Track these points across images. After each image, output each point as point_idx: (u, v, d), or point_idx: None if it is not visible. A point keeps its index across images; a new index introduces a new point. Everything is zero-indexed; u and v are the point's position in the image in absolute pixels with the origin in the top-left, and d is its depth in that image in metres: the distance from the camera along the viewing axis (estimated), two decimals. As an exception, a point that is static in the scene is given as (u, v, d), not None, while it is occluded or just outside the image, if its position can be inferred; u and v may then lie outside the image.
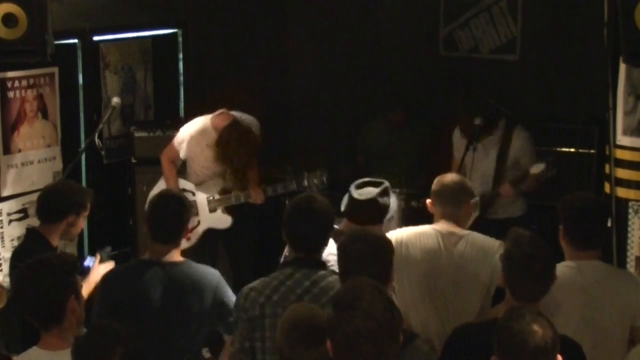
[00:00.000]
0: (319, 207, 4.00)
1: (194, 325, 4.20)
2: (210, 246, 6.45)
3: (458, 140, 6.41)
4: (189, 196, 6.33)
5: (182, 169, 6.52)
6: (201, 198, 6.35)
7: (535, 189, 6.12)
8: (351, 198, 4.81)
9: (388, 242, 3.83)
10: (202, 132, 6.22)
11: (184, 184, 6.41)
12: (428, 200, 4.76)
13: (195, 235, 6.32)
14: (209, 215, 6.36)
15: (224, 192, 6.34)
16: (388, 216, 4.82)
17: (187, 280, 4.22)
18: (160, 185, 6.39)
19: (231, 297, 4.24)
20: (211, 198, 6.34)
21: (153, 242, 4.32)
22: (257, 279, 4.03)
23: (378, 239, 3.81)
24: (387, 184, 4.88)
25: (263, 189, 6.29)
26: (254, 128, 6.23)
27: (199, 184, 6.39)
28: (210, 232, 6.39)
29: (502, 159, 6.18)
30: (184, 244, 6.25)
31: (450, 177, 4.77)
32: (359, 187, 4.85)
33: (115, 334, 3.13)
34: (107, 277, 4.45)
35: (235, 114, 6.26)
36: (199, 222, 6.35)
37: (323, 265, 4.02)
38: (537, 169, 5.93)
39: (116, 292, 4.25)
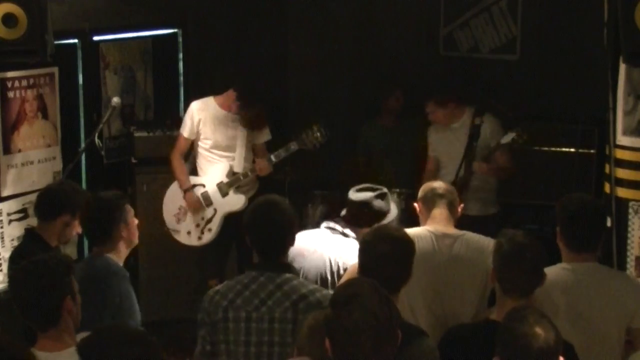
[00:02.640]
0: (279, 211, 3.95)
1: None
2: (225, 241, 6.53)
3: (433, 137, 6.63)
4: (200, 189, 6.44)
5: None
6: (212, 187, 6.47)
7: (509, 163, 6.32)
8: (348, 199, 4.88)
9: (410, 244, 3.83)
10: (204, 102, 6.48)
11: (193, 180, 6.54)
12: (416, 204, 4.81)
13: (215, 225, 6.40)
14: (223, 200, 6.44)
15: (232, 174, 6.42)
16: (386, 221, 4.83)
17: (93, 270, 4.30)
18: (176, 184, 6.54)
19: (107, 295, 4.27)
20: (221, 183, 6.41)
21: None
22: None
23: (401, 240, 3.81)
24: (385, 190, 4.93)
25: (267, 159, 6.35)
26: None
27: (206, 171, 6.50)
28: (225, 229, 6.47)
29: (472, 143, 6.28)
30: (207, 236, 6.41)
31: (437, 182, 4.91)
32: (359, 190, 4.91)
33: (119, 336, 3.11)
34: None
35: None
36: (215, 211, 6.42)
37: (288, 268, 3.99)
38: (507, 138, 6.10)
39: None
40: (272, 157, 6.34)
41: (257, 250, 3.97)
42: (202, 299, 3.97)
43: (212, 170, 6.49)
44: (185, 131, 6.50)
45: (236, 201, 6.44)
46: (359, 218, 4.80)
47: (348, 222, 4.84)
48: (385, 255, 3.69)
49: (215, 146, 6.46)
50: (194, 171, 6.62)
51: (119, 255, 4.43)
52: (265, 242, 3.93)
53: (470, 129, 6.29)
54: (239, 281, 3.92)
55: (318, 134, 6.23)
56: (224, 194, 6.44)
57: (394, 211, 4.93)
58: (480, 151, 6.29)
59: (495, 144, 6.19)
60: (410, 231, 4.61)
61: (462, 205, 4.88)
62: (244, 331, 3.81)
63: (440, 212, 4.66)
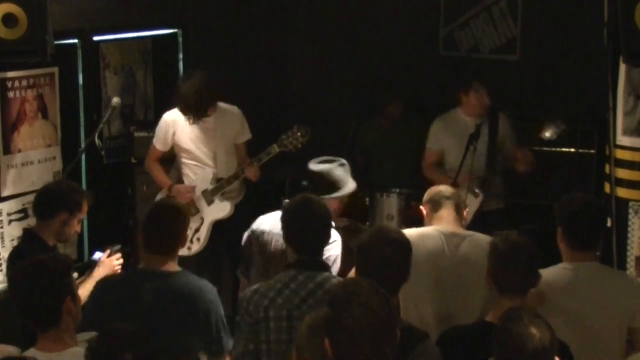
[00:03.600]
0: (316, 209, 4.03)
1: (185, 335, 4.15)
2: (214, 246, 6.47)
3: (441, 129, 6.57)
4: None
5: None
6: (197, 195, 6.34)
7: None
8: (308, 170, 4.98)
9: (408, 245, 3.82)
10: (175, 112, 6.29)
11: None
12: (421, 207, 4.82)
13: (202, 234, 6.34)
14: (209, 208, 6.35)
15: (216, 181, 6.33)
16: (346, 191, 4.88)
17: (181, 290, 4.16)
18: (161, 195, 6.43)
19: (220, 317, 4.21)
20: (206, 191, 6.34)
21: (146, 252, 4.27)
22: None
23: (402, 242, 3.80)
24: (343, 161, 5.00)
25: (248, 163, 6.18)
26: (236, 111, 6.35)
27: (191, 179, 6.39)
28: (213, 234, 6.39)
29: (493, 143, 6.30)
30: (196, 245, 6.31)
31: (442, 185, 4.93)
32: (320, 162, 5.00)
33: (125, 338, 3.10)
34: (99, 283, 4.43)
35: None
36: (202, 220, 6.36)
37: (325, 266, 4.04)
38: (549, 132, 6.04)
39: (106, 298, 4.20)
40: (254, 162, 6.17)
41: (294, 248, 4.01)
42: (239, 299, 3.99)
43: (196, 178, 6.37)
44: (159, 144, 6.36)
45: (222, 208, 6.33)
46: (318, 187, 4.82)
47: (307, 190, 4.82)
48: (388, 259, 3.67)
49: (195, 156, 6.33)
50: (180, 179, 6.51)
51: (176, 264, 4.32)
52: (304, 241, 3.98)
53: (475, 128, 6.24)
54: (278, 280, 3.93)
55: (298, 134, 6.06)
56: (209, 201, 6.32)
57: (351, 183, 4.93)
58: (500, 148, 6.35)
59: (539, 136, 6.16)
60: (419, 230, 4.65)
61: (466, 209, 4.90)
62: (286, 330, 3.82)
63: (447, 212, 4.67)
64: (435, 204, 4.72)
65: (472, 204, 6.16)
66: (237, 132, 6.36)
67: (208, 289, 4.22)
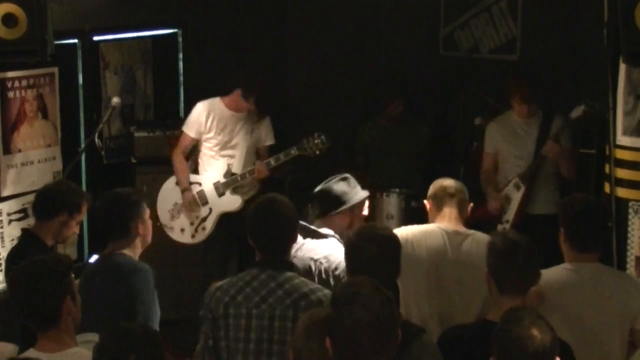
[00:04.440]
0: (281, 209, 3.98)
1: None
2: (223, 241, 6.53)
3: (496, 131, 6.50)
4: (197, 187, 6.45)
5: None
6: (208, 186, 6.48)
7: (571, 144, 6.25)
8: (312, 194, 4.92)
9: (397, 241, 3.85)
10: (210, 102, 6.48)
11: (191, 178, 6.55)
12: (426, 202, 4.80)
13: (209, 224, 6.41)
14: (219, 200, 6.45)
15: (229, 174, 6.43)
16: (355, 201, 4.79)
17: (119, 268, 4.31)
18: (172, 181, 6.55)
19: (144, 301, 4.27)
20: (218, 182, 6.41)
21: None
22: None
23: (388, 239, 3.82)
24: (346, 175, 4.90)
25: (266, 162, 6.37)
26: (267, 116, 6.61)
27: (205, 170, 6.52)
28: (224, 229, 6.47)
29: (543, 141, 6.23)
30: (201, 234, 6.43)
31: (447, 179, 4.87)
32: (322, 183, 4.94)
33: (134, 338, 3.09)
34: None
35: None
36: (210, 210, 6.43)
37: (290, 266, 4.00)
38: (577, 111, 5.97)
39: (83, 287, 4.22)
40: (272, 161, 6.36)
41: (258, 248, 3.99)
42: (204, 295, 3.99)
43: (210, 170, 6.50)
44: (192, 131, 6.50)
45: (232, 202, 6.45)
46: (323, 206, 4.79)
47: (321, 216, 4.82)
48: (374, 256, 3.70)
49: (219, 146, 6.47)
50: (195, 169, 6.62)
51: (135, 253, 4.42)
52: (267, 240, 3.95)
53: (538, 129, 6.26)
54: (240, 278, 3.93)
55: (318, 141, 6.26)
56: (220, 193, 6.45)
57: (357, 194, 4.85)
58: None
59: (563, 122, 6.13)
60: (421, 227, 4.66)
61: (471, 204, 4.88)
62: (244, 328, 3.82)
63: (450, 211, 4.69)
64: (439, 202, 4.73)
65: (515, 197, 6.20)
66: (264, 135, 6.55)
67: (140, 267, 4.34)
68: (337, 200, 4.76)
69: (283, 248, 3.99)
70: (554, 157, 6.22)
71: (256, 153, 6.57)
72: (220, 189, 6.45)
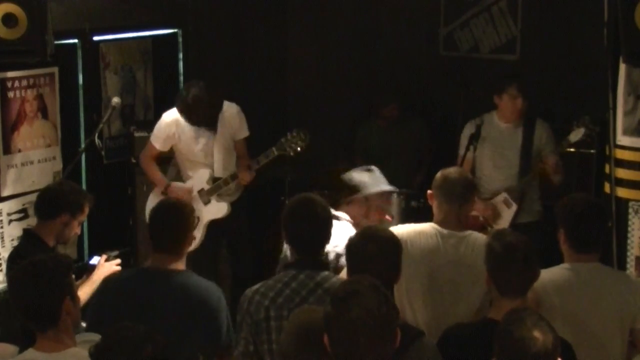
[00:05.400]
0: (317, 209, 4.01)
1: (187, 335, 4.12)
2: (213, 245, 6.46)
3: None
4: None
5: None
6: (193, 195, 6.35)
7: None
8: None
9: (397, 241, 3.85)
10: (175, 112, 6.30)
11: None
12: (429, 192, 4.69)
13: (198, 233, 6.33)
14: (205, 208, 6.36)
15: (212, 181, 6.35)
16: (371, 191, 4.85)
17: (190, 290, 4.14)
18: (155, 193, 6.44)
19: (228, 316, 4.18)
20: (202, 190, 6.35)
21: (154, 251, 4.25)
22: (256, 277, 4.03)
23: (388, 239, 3.82)
24: (372, 167, 5.00)
25: (247, 166, 6.23)
26: (234, 109, 6.36)
27: (189, 176, 6.41)
28: (212, 232, 6.39)
29: (527, 152, 6.15)
30: (192, 244, 6.33)
31: (455, 171, 4.70)
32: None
33: (137, 338, 3.07)
34: (108, 282, 4.42)
35: None
36: (198, 219, 6.35)
37: (325, 266, 4.04)
38: (577, 134, 5.86)
39: (112, 296, 4.20)
40: (253, 164, 6.21)
41: (295, 248, 4.02)
42: (240, 300, 3.96)
43: (193, 178, 6.38)
44: (158, 143, 6.38)
45: (218, 209, 6.35)
46: (339, 192, 4.85)
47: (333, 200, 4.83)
48: (373, 256, 3.70)
49: (194, 155, 6.35)
50: (178, 176, 6.52)
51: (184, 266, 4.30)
52: (304, 241, 3.98)
53: (521, 137, 6.16)
54: (278, 280, 3.94)
55: (297, 138, 6.11)
56: (206, 201, 6.34)
57: (376, 187, 4.86)
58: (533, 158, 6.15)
59: (565, 142, 5.98)
60: (417, 227, 4.59)
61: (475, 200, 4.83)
62: None
63: (450, 208, 4.56)
64: (442, 196, 4.57)
65: (506, 216, 6.12)
66: (235, 129, 6.38)
67: (214, 288, 4.21)
68: (353, 188, 4.82)
69: (319, 247, 4.02)
70: (552, 172, 6.09)
71: (235, 149, 6.41)
72: (205, 197, 6.33)
